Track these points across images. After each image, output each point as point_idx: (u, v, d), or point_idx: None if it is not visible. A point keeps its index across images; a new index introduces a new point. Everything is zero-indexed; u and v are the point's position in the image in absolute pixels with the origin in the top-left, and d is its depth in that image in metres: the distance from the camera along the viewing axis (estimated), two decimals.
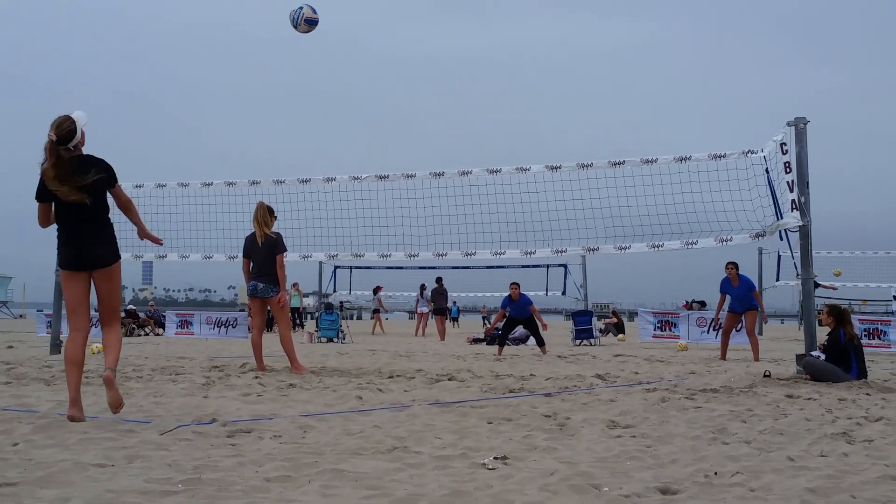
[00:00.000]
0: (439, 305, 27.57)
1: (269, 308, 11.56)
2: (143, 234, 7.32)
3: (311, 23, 10.78)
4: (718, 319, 17.12)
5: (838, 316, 10.50)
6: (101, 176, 6.55)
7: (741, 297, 15.32)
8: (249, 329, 14.11)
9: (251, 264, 11.37)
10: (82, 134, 6.54)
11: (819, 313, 16.66)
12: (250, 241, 11.39)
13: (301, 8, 10.67)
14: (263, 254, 11.24)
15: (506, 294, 18.26)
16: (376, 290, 31.27)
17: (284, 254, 11.32)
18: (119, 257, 6.81)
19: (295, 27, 10.68)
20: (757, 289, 15.68)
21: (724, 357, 15.25)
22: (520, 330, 24.08)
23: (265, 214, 11.37)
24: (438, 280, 27.77)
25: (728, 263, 15.23)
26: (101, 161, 6.66)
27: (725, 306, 15.96)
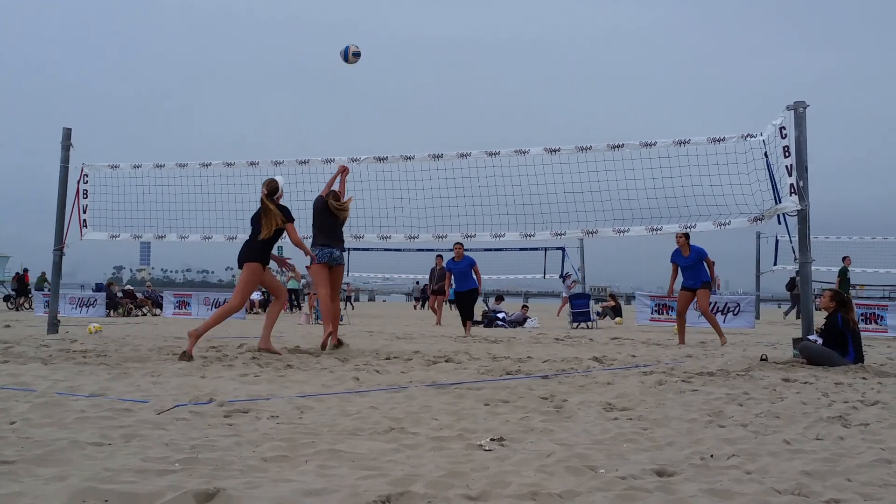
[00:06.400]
0: (440, 286, 24.79)
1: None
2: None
3: (358, 55, 12.57)
4: (673, 291, 16.00)
5: (841, 302, 10.50)
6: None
7: (692, 269, 14.74)
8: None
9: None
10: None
11: (816, 297, 16.58)
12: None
13: (347, 46, 12.52)
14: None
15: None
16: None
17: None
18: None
19: (345, 60, 12.53)
20: (709, 256, 15.04)
21: (682, 341, 14.80)
22: (517, 313, 24.13)
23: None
24: (439, 258, 25.19)
25: (678, 234, 14.33)
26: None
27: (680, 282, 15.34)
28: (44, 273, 32.83)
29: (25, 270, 34.87)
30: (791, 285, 29.00)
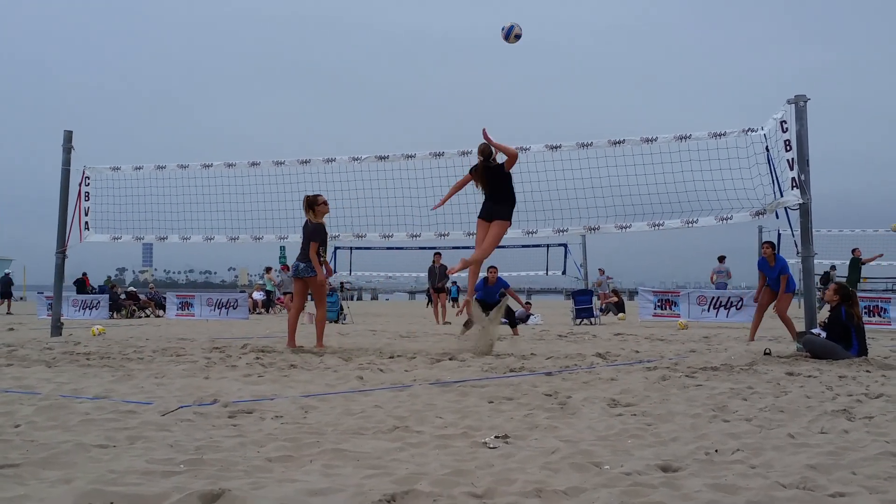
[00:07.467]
0: (441, 284, 24.30)
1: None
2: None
3: (519, 37, 11.75)
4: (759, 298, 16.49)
5: (845, 295, 10.47)
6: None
7: (777, 280, 14.49)
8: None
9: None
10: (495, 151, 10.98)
11: (820, 291, 16.52)
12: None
13: (513, 26, 11.66)
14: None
15: (499, 275, 17.77)
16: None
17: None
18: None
19: (505, 39, 11.73)
20: (787, 273, 15.18)
21: (752, 338, 14.50)
22: (520, 310, 24.09)
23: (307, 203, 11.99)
24: (438, 255, 24.51)
25: (764, 243, 14.69)
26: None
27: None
28: (109, 277, 33.02)
29: (84, 274, 34.69)
30: (825, 279, 28.56)
